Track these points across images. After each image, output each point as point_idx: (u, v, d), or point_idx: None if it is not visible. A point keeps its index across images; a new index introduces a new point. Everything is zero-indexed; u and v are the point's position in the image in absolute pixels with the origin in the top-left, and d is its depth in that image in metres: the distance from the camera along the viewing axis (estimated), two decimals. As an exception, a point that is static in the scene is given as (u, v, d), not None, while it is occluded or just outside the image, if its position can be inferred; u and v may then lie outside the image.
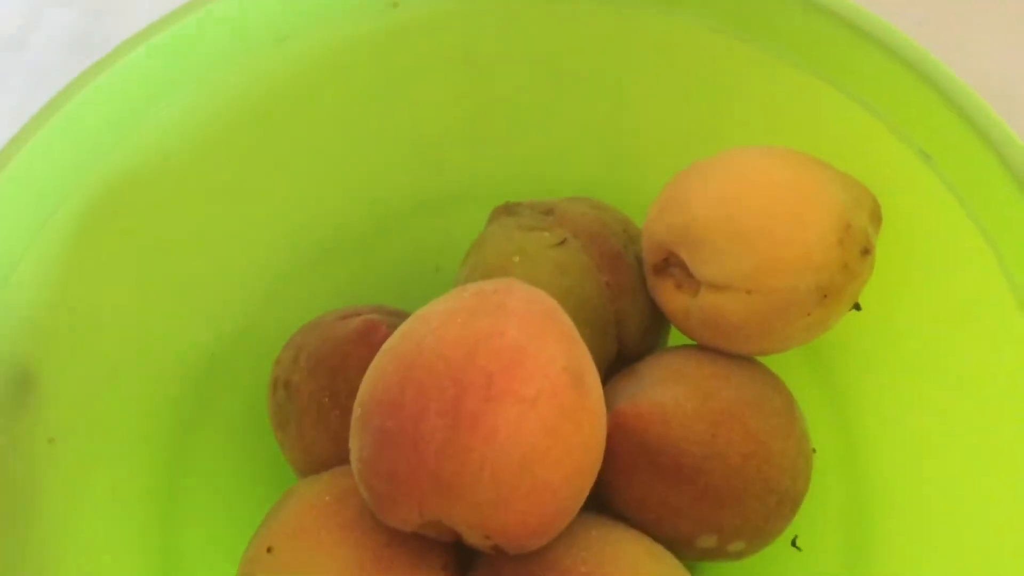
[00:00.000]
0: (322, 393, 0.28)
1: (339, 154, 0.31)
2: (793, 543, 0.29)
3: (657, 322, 0.29)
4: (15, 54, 0.42)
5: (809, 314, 0.26)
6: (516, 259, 0.28)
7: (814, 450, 0.28)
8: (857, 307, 0.27)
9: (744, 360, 0.28)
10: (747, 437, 0.26)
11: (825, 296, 0.25)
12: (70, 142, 0.26)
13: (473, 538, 0.23)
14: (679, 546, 0.26)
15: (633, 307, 0.29)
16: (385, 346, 0.24)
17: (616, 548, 0.25)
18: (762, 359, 0.29)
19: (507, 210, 0.30)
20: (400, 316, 0.29)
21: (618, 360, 0.29)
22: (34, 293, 0.26)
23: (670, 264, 0.28)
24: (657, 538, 0.26)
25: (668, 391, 0.26)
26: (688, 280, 0.27)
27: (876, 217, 0.27)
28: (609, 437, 0.26)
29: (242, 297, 0.32)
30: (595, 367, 0.25)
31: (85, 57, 0.26)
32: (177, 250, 0.30)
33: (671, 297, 0.28)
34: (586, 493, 0.24)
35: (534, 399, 0.22)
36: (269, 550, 0.25)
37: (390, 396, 0.23)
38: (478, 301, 0.24)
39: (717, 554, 0.27)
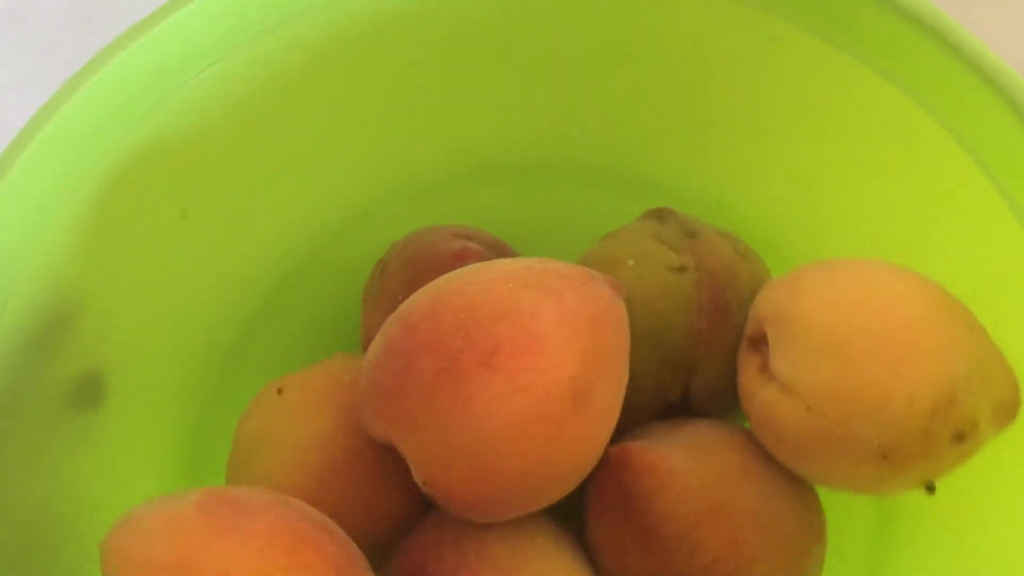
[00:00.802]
0: (400, 290, 0.29)
1: (444, 102, 0.31)
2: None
3: (732, 392, 0.27)
4: (15, 27, 0.40)
5: (860, 466, 0.22)
6: (631, 262, 0.28)
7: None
8: (930, 489, 0.23)
9: (792, 475, 0.25)
10: (730, 544, 0.23)
11: (885, 458, 0.22)
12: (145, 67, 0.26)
13: (416, 476, 0.24)
14: (619, 603, 0.25)
15: (712, 364, 0.27)
16: (447, 275, 0.25)
17: (548, 566, 0.24)
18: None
19: (658, 215, 0.29)
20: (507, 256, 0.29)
21: (680, 408, 0.28)
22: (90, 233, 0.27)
23: (763, 343, 0.25)
24: (603, 584, 0.25)
25: (687, 458, 0.25)
26: (768, 367, 0.25)
27: (1002, 414, 0.22)
28: (608, 469, 0.25)
29: (322, 221, 0.33)
30: (618, 396, 0.24)
31: (86, 30, 0.25)
32: (271, 170, 0.31)
33: (749, 375, 0.25)
34: (541, 503, 0.24)
35: (524, 389, 0.22)
36: (279, 391, 0.27)
37: (414, 319, 0.24)
38: (541, 278, 0.24)
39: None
